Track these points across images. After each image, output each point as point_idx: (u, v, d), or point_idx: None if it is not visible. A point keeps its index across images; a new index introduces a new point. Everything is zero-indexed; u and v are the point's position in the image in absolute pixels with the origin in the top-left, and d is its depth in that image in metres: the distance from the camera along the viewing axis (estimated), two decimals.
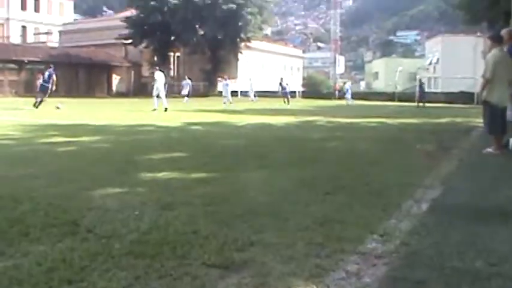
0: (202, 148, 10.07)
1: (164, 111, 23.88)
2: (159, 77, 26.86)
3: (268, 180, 6.38)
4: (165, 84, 27.47)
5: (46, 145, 10.14)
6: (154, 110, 24.26)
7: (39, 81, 26.56)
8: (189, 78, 45.35)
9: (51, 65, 28.16)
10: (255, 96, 47.23)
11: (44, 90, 25.98)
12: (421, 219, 4.60)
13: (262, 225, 4.23)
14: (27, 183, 5.88)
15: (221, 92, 44.93)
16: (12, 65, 51.71)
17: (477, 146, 10.41)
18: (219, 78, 52.56)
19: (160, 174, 6.55)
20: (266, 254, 3.51)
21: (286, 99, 40.31)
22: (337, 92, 53.87)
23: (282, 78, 44.96)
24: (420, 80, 43.41)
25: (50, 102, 25.26)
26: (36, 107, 24.94)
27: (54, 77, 26.52)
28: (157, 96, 25.99)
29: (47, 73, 26.58)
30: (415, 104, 39.03)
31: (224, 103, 35.76)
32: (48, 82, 26.12)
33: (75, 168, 7.13)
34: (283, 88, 43.95)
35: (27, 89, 48.87)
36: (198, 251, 3.55)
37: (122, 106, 30.37)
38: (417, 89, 42.64)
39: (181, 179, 6.29)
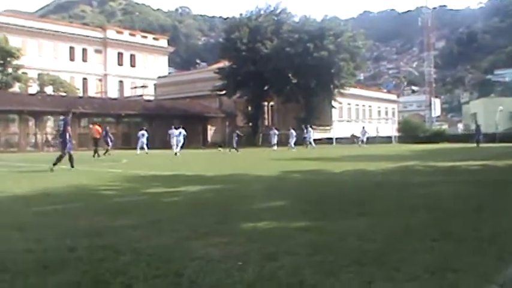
0: (301, 196, 9.96)
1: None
2: (142, 134, 38.74)
3: (371, 227, 6.17)
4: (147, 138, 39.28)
5: (146, 195, 10.33)
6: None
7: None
8: (276, 129, 47.28)
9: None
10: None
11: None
12: None
13: (369, 274, 4.06)
14: (128, 234, 5.95)
15: (315, 140, 45.67)
16: (110, 119, 53.89)
17: None
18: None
19: (261, 224, 6.47)
20: None
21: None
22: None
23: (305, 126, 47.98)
24: (476, 121, 47.13)
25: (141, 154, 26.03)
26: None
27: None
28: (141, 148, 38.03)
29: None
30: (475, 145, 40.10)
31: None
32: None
33: (175, 218, 7.16)
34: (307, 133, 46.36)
35: (125, 142, 50.66)
36: None
37: (217, 157, 30.79)
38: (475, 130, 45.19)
39: (282, 228, 6.19)
